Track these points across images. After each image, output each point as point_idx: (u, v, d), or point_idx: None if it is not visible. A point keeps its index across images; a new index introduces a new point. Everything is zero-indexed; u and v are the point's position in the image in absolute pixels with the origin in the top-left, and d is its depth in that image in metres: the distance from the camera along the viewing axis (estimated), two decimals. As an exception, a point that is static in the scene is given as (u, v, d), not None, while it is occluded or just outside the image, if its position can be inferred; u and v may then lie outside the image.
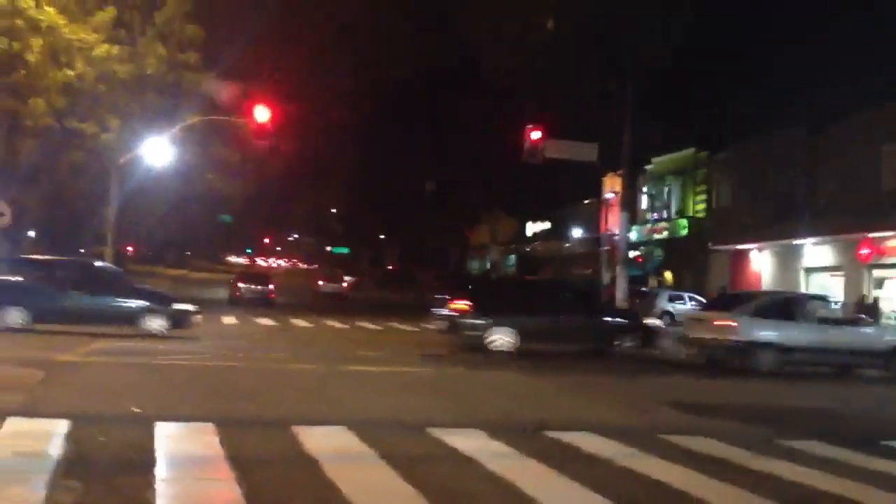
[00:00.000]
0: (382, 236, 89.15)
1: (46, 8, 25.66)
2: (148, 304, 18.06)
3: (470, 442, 7.96)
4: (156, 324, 17.84)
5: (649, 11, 29.85)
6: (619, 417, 10.48)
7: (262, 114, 25.62)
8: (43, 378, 10.64)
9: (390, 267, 79.38)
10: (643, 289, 33.79)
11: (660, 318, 33.10)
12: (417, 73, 53.64)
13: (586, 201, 48.60)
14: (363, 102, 56.53)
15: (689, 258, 38.11)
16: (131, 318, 17.84)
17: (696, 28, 32.73)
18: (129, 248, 59.57)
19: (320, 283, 47.96)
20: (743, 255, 36.40)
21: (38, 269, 18.83)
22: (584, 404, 11.84)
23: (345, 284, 48.35)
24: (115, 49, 26.61)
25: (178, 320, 18.11)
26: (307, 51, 41.32)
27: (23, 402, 8.72)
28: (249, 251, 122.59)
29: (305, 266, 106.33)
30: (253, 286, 36.96)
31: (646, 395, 13.06)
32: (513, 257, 62.42)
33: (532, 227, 61.23)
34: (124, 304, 17.96)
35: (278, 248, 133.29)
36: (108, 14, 26.75)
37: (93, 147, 27.16)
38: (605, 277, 34.36)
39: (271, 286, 37.56)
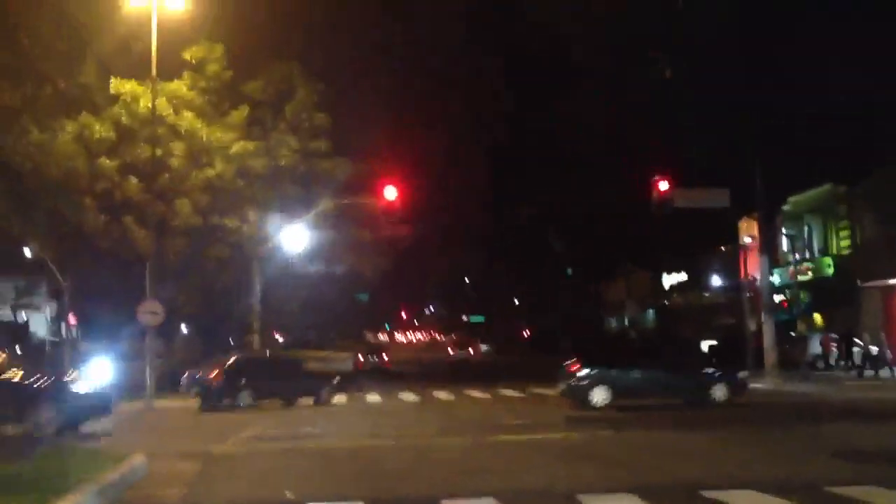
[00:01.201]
0: (516, 301, 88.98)
1: (185, 113, 27.32)
2: None
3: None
4: None
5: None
6: (780, 471, 9.99)
7: (390, 192, 26.23)
8: (200, 470, 11.05)
9: (527, 332, 78.89)
10: (792, 333, 32.33)
11: (812, 362, 31.57)
12: (538, 133, 54.00)
13: (722, 248, 47.21)
14: (486, 169, 57.26)
15: (838, 298, 36.31)
16: None
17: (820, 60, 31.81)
18: (277, 335, 61.45)
19: (450, 350, 50.78)
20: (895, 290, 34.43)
21: None
22: (742, 459, 11.35)
23: (471, 351, 51.39)
24: (251, 145, 27.96)
25: None
26: (431, 123, 42.33)
27: (183, 496, 9.06)
28: (388, 327, 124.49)
29: (442, 337, 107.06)
30: (372, 357, 48.95)
31: (805, 445, 12.42)
32: (651, 312, 61.05)
33: (668, 280, 59.86)
34: None
35: (415, 322, 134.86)
36: (241, 113, 28.22)
37: (235, 240, 28.39)
38: (751, 325, 33.14)
39: (385, 356, 49.93)
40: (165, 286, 26.97)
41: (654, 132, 41.32)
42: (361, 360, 47.51)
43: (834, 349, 31.85)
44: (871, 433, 14.33)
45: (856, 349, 30.78)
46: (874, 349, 29.41)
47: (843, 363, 30.93)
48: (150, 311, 24.07)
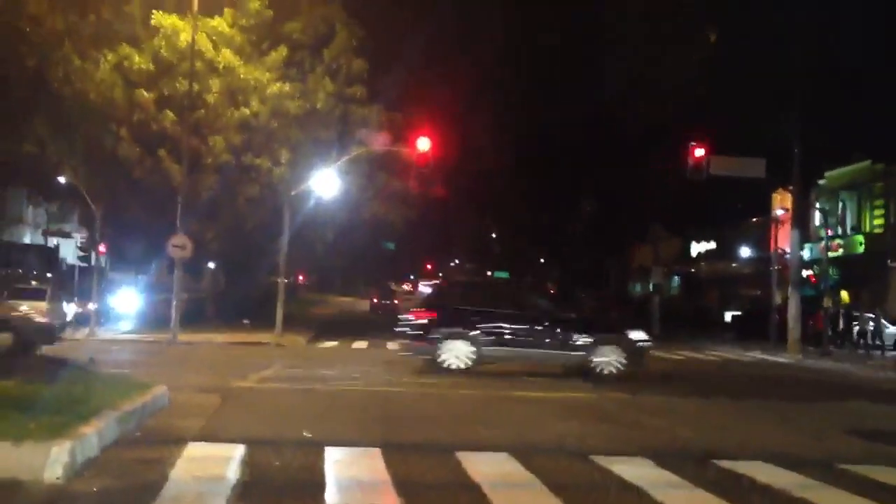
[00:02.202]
0: (542, 259, 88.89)
1: (224, 50, 27.30)
2: None
3: (636, 470, 7.82)
4: None
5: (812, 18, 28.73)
6: (792, 445, 10.01)
7: (423, 143, 26.22)
8: (220, 403, 11.26)
9: (551, 291, 78.96)
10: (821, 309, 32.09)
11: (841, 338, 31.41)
12: (580, 101, 53.77)
13: (754, 219, 46.82)
14: (524, 128, 57.12)
15: (867, 276, 35.98)
16: None
17: (869, 30, 31.14)
18: (301, 277, 62.05)
19: None
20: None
21: None
22: (756, 430, 11.38)
23: None
24: (287, 87, 27.94)
25: None
26: (469, 80, 42.20)
27: (202, 427, 9.25)
28: (412, 277, 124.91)
29: None
30: (385, 301, 56.06)
31: (821, 420, 12.43)
32: (676, 278, 60.80)
33: (697, 248, 59.49)
34: None
35: (440, 274, 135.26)
36: (280, 54, 28.17)
37: (267, 181, 28.52)
38: (777, 298, 32.98)
39: (397, 301, 55.83)
40: (195, 222, 27.26)
41: (695, 99, 40.81)
42: (376, 302, 58.08)
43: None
44: (888, 412, 14.30)
45: (855, 326, 30.71)
46: (871, 326, 29.38)
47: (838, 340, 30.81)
48: (180, 245, 24.39)
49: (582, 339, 17.43)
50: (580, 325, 17.93)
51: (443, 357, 17.17)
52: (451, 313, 17.53)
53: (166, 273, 30.13)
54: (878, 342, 29.74)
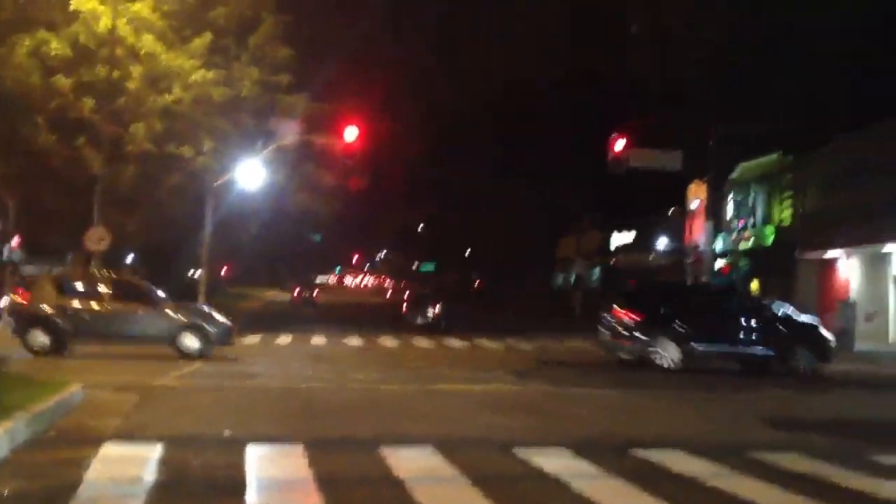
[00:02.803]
0: (469, 250, 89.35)
1: (145, 36, 26.68)
2: None
3: (556, 461, 7.97)
4: None
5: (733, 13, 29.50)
6: (707, 434, 10.32)
7: (351, 133, 26.05)
8: (137, 402, 11.06)
9: (477, 283, 79.39)
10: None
11: None
12: (503, 89, 54.14)
13: (671, 211, 47.82)
14: (451, 119, 57.34)
15: (776, 267, 37.10)
16: None
17: (780, 28, 32.07)
18: (224, 270, 61.14)
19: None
20: (831, 263, 35.26)
21: None
22: (673, 420, 11.70)
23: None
24: (211, 73, 27.44)
25: None
26: (398, 69, 42.11)
27: (118, 427, 9.05)
28: (339, 269, 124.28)
29: (392, 282, 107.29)
30: (306, 294, 59.59)
31: (735, 410, 12.82)
32: (597, 270, 61.77)
33: (618, 239, 60.56)
34: None
35: (367, 266, 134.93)
36: (204, 40, 27.60)
37: (190, 170, 28.01)
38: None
39: (316, 291, 63.04)
40: (115, 212, 26.62)
41: (617, 92, 41.51)
42: (297, 295, 60.24)
43: None
44: (799, 400, 14.82)
45: None
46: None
47: None
48: (97, 237, 23.83)
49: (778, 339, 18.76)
50: (778, 325, 19.34)
51: (654, 356, 18.27)
52: (660, 314, 18.76)
53: (85, 265, 29.37)
54: None
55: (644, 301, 19.56)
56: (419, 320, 34.16)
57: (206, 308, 19.75)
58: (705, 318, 18.79)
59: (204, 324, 18.02)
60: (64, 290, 18.21)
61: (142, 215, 29.13)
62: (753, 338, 18.76)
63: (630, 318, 18.80)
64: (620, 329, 18.94)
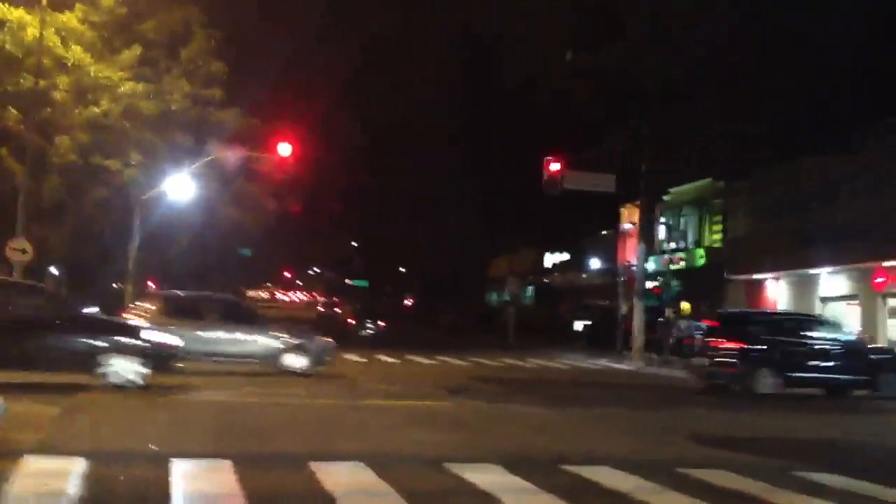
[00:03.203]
0: (402, 269, 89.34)
1: (73, 46, 26.11)
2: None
3: (487, 477, 7.97)
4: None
5: (664, 37, 30.17)
6: (637, 450, 10.44)
7: (284, 149, 25.81)
8: (59, 414, 10.73)
9: (409, 301, 79.41)
10: (660, 319, 33.64)
11: (674, 348, 32.84)
12: (440, 106, 54.57)
13: (604, 232, 48.56)
14: (385, 135, 57.44)
15: (706, 288, 37.94)
16: None
17: (712, 53, 32.91)
18: (151, 284, 60.04)
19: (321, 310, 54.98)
20: (759, 284, 36.21)
21: None
22: (603, 437, 11.81)
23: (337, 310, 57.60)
24: (141, 86, 26.97)
25: None
26: (331, 84, 41.95)
27: (40, 440, 8.79)
28: (269, 285, 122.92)
29: (324, 299, 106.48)
30: None
31: (663, 427, 13.01)
32: (530, 288, 62.31)
33: (551, 258, 61.20)
34: None
35: (298, 282, 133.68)
36: (133, 52, 27.13)
37: (117, 183, 27.42)
38: (623, 308, 34.28)
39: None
40: (38, 224, 25.92)
41: (551, 116, 42.11)
42: None
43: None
44: (724, 418, 15.10)
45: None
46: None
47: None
48: (20, 249, 23.17)
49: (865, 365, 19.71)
50: (861, 352, 20.31)
51: (754, 383, 18.83)
52: (758, 342, 19.34)
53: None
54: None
55: (741, 329, 20.15)
56: (365, 332, 39.22)
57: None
58: (798, 346, 19.59)
59: (307, 343, 18.50)
60: (172, 311, 18.08)
61: (66, 228, 28.38)
62: (841, 364, 19.59)
63: (730, 346, 19.48)
64: (720, 357, 19.58)
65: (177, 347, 14.69)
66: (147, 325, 15.91)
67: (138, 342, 14.10)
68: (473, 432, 11.50)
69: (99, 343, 13.74)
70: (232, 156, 28.70)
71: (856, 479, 8.81)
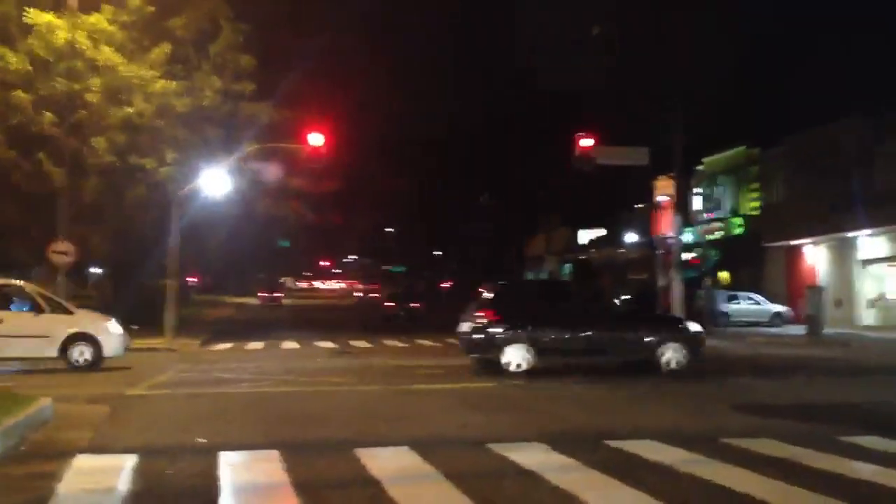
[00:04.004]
0: (437, 252, 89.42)
1: (103, 48, 26.40)
2: None
3: (531, 456, 8.02)
4: None
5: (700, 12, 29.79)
6: (681, 423, 10.42)
7: (316, 139, 25.94)
8: (109, 413, 10.96)
9: (446, 284, 79.51)
10: (699, 290, 33.41)
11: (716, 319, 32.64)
12: (474, 92, 54.47)
13: (639, 206, 48.21)
14: (419, 122, 57.49)
15: (745, 257, 37.60)
16: None
17: (744, 25, 32.47)
18: (192, 279, 60.82)
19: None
20: (797, 250, 35.83)
21: None
22: (646, 412, 11.79)
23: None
24: (173, 84, 27.18)
25: None
26: (362, 74, 42.01)
27: (90, 439, 8.95)
28: (308, 274, 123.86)
29: (362, 286, 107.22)
30: (270, 295, 68.99)
31: (708, 399, 12.95)
32: (567, 266, 62.13)
33: (586, 235, 60.91)
34: None
35: (336, 271, 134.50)
36: (163, 50, 27.37)
37: (154, 181, 27.74)
38: (661, 281, 34.04)
39: (281, 294, 73.56)
40: (79, 225, 26.33)
41: (581, 91, 41.72)
42: (264, 296, 69.37)
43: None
44: (769, 387, 15.01)
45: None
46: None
47: None
48: (61, 251, 23.58)
49: None
50: None
51: None
52: None
53: (50, 279, 28.96)
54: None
55: None
56: (401, 312, 44.35)
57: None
58: None
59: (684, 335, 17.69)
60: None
61: (106, 227, 28.81)
62: None
63: None
64: None
65: (702, 333, 17.45)
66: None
67: (683, 332, 17.01)
68: (515, 412, 11.54)
69: (657, 334, 16.60)
70: (265, 148, 28.88)
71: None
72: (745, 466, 7.55)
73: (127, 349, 18.17)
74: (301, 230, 55.50)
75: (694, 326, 17.49)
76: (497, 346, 16.13)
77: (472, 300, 17.79)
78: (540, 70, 47.30)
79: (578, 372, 16.11)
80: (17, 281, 18.57)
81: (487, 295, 17.21)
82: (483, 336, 16.34)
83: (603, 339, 16.46)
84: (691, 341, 16.81)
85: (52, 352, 16.93)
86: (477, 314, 16.61)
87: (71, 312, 17.58)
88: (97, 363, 17.08)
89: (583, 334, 16.40)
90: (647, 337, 16.61)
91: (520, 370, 15.89)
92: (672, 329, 17.26)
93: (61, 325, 17.05)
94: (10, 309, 17.02)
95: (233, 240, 36.81)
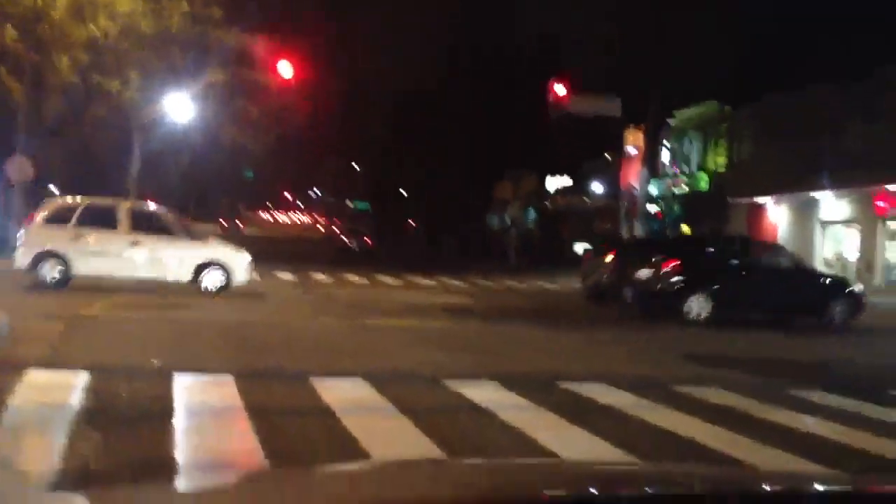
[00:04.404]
0: (404, 192, 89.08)
1: (68, -37, 25.61)
2: None
3: (486, 393, 8.08)
4: None
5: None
6: (633, 369, 10.57)
7: (285, 69, 25.54)
8: (63, 331, 10.85)
9: (412, 223, 79.33)
10: None
11: None
12: (447, 31, 53.74)
13: (607, 156, 48.26)
14: (390, 58, 56.64)
15: (708, 213, 37.96)
16: None
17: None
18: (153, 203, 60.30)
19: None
20: (760, 208, 36.24)
21: None
22: (600, 356, 11.94)
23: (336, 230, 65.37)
24: (140, 5, 26.54)
25: None
26: (338, 7, 41.21)
27: (44, 354, 8.87)
28: (269, 205, 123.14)
29: (325, 221, 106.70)
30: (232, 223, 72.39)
31: (661, 347, 13.14)
32: (532, 212, 62.25)
33: (553, 182, 60.96)
34: None
35: (299, 204, 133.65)
36: (130, -32, 26.63)
37: (116, 103, 27.21)
38: (625, 232, 34.31)
39: (243, 226, 78.12)
40: (38, 144, 25.83)
41: (554, 40, 41.44)
42: (225, 226, 71.64)
43: None
44: (720, 337, 15.22)
45: None
46: None
47: None
48: (19, 168, 23.16)
49: None
50: None
51: None
52: None
53: (5, 196, 28.45)
54: None
55: None
56: (356, 245, 49.53)
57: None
58: None
59: (849, 294, 18.32)
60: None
61: (66, 147, 28.30)
62: None
63: None
64: None
65: (864, 294, 18.51)
66: None
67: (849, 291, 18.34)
68: (473, 352, 11.62)
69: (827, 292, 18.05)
70: (232, 75, 28.39)
71: (847, 397, 8.94)
72: (693, 414, 7.69)
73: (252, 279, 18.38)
74: (267, 162, 54.95)
75: (857, 286, 19.13)
76: (681, 295, 16.83)
77: (433, 239, 18.32)
78: (520, 13, 46.88)
79: (753, 323, 16.72)
80: (155, 206, 18.91)
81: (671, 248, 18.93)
82: (666, 285, 17.10)
83: (777, 293, 17.22)
84: (855, 300, 18.08)
85: (186, 276, 17.20)
86: (661, 264, 17.38)
87: (204, 240, 18.13)
88: (226, 290, 17.35)
89: (759, 289, 17.19)
90: (818, 293, 17.76)
91: (699, 319, 16.68)
92: (839, 288, 18.62)
93: (195, 252, 17.34)
94: (147, 233, 17.15)
95: (196, 167, 36.32)
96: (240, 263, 17.70)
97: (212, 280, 17.28)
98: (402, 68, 58.60)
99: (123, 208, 17.52)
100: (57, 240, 16.52)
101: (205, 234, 18.52)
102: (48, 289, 16.26)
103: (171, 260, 17.08)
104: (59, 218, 16.90)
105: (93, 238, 16.71)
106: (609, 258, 19.58)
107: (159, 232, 17.25)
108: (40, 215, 16.99)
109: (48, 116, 26.37)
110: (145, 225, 17.30)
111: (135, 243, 16.86)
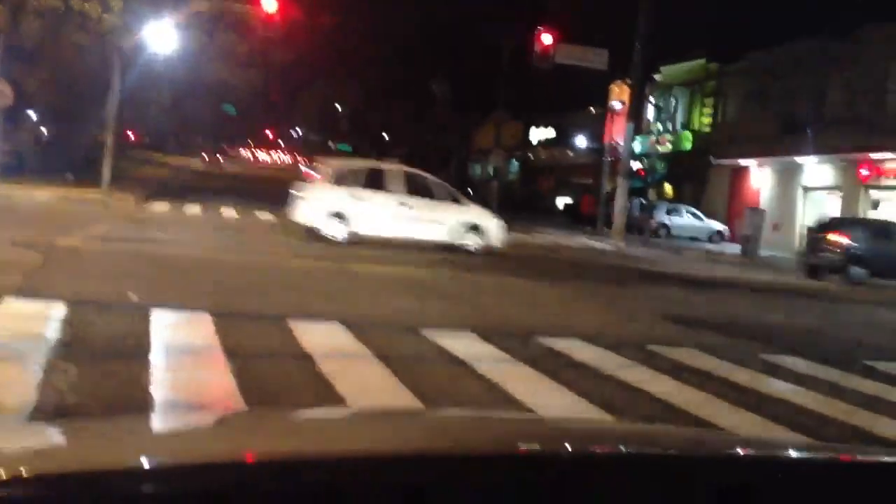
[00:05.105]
0: (385, 135, 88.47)
1: None
2: None
3: (462, 344, 8.10)
4: None
5: None
6: (610, 326, 10.63)
7: (269, 3, 25.04)
8: (41, 261, 10.74)
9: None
10: (641, 200, 33.73)
11: (656, 230, 33.21)
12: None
13: (591, 109, 48.01)
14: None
15: (691, 172, 37.96)
16: None
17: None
18: (132, 135, 59.39)
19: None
20: (743, 171, 36.30)
21: None
22: (578, 311, 12.01)
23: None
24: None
25: None
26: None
27: (20, 284, 8.79)
28: (249, 143, 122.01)
29: (305, 159, 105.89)
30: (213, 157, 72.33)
31: (638, 306, 13.23)
32: (516, 163, 62.05)
33: (536, 134, 60.67)
34: None
35: (281, 142, 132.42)
36: None
37: (96, 29, 26.60)
38: (607, 187, 34.33)
39: (222, 162, 75.98)
40: (16, 67, 25.31)
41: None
42: (206, 160, 72.46)
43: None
44: (696, 299, 15.38)
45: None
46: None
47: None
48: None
49: None
50: None
51: None
52: None
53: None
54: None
55: None
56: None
57: None
58: None
59: None
60: None
61: (45, 71, 27.73)
62: None
63: None
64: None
65: None
66: None
67: None
68: (452, 301, 11.64)
69: None
70: (216, 6, 27.81)
71: (822, 364, 9.06)
72: (667, 374, 7.77)
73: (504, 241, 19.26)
74: (250, 98, 54.25)
75: None
76: (848, 263, 21.46)
77: None
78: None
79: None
80: (422, 172, 19.67)
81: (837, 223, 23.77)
82: (835, 254, 21.69)
83: None
84: None
85: (445, 237, 18.25)
86: (834, 237, 22.03)
87: (464, 203, 18.99)
88: (484, 251, 18.36)
89: None
90: None
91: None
92: None
93: (455, 214, 18.43)
94: (419, 196, 18.21)
95: (178, 100, 35.78)
96: (496, 227, 18.85)
97: (474, 241, 18.39)
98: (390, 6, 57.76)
99: (399, 173, 18.74)
100: (341, 201, 17.58)
101: (466, 200, 19.43)
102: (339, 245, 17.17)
103: (440, 222, 18.14)
104: (342, 180, 18.02)
105: (371, 200, 17.76)
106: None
107: (429, 196, 18.34)
108: (324, 176, 18.20)
109: (27, 41, 25.75)
110: (417, 189, 18.37)
111: (408, 205, 17.92)
